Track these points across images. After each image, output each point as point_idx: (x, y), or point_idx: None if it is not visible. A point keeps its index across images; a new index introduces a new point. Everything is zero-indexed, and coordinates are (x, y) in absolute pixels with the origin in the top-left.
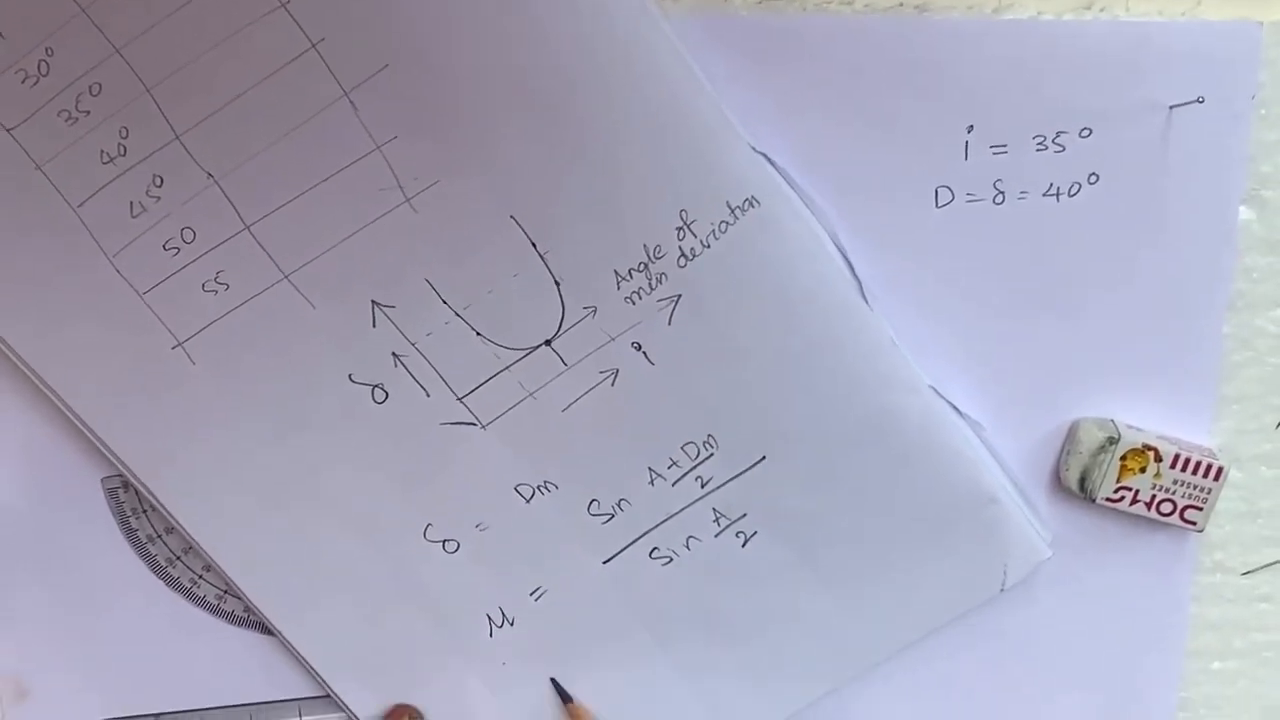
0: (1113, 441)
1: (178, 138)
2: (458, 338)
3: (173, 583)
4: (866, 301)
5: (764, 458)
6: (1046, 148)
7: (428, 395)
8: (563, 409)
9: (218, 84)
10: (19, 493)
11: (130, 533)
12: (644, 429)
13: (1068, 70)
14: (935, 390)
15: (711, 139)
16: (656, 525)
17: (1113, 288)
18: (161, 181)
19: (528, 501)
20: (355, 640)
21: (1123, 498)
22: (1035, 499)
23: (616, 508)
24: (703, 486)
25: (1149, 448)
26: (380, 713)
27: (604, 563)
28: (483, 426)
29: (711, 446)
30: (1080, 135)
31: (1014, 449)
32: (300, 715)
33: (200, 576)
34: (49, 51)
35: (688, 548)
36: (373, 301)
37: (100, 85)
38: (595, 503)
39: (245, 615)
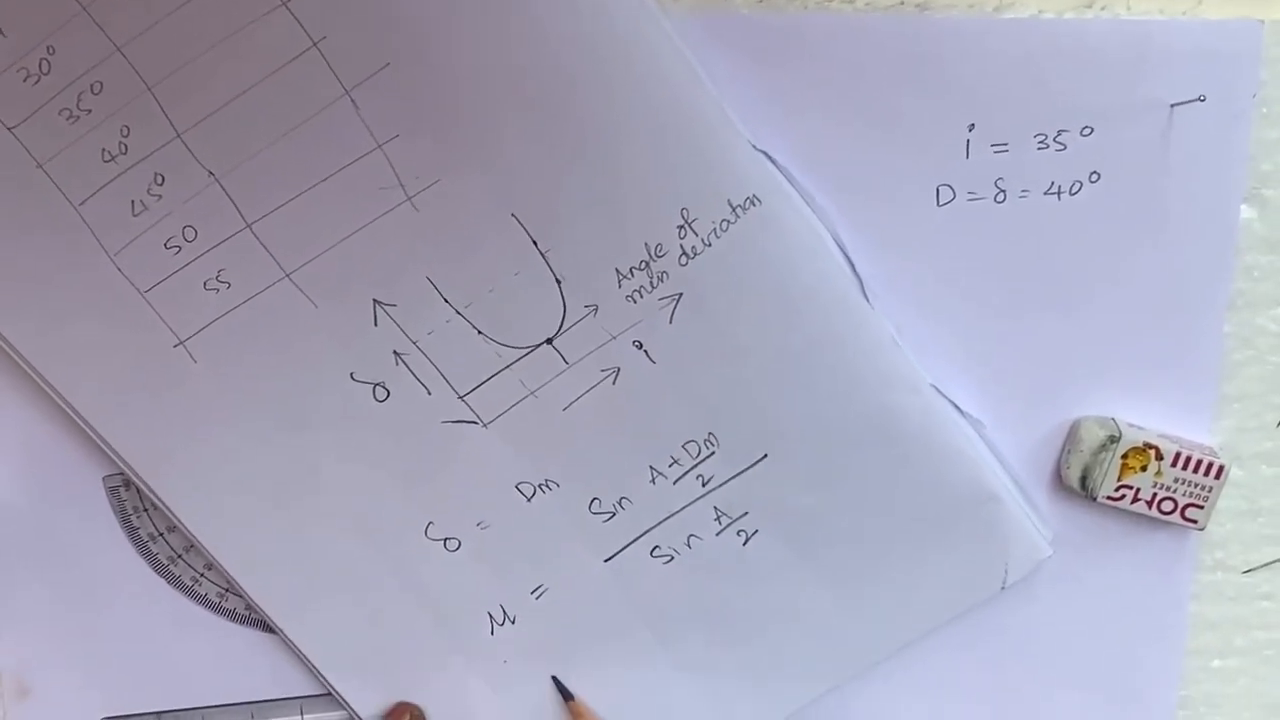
0: (1114, 440)
1: (179, 136)
2: (459, 336)
3: (174, 581)
4: (868, 300)
5: (765, 456)
6: (1048, 146)
7: (429, 393)
8: (564, 407)
9: (219, 82)
10: (20, 491)
11: (131, 531)
12: (645, 427)
13: (1069, 69)
14: (936, 389)
15: (712, 137)
16: (657, 524)
17: (1114, 286)
18: (163, 180)
19: (529, 500)
20: (356, 638)
21: (1124, 496)
22: (1036, 497)
23: (618, 506)
24: (704, 485)
25: (1150, 446)
26: (381, 711)
27: (605, 561)
28: (484, 425)
29: (712, 445)
30: (1081, 134)
31: (1015, 447)
32: (301, 713)
33: (201, 575)
34: (50, 50)
35: (689, 546)
36: (374, 300)
37: (101, 84)
38: (596, 501)
39: (246, 613)
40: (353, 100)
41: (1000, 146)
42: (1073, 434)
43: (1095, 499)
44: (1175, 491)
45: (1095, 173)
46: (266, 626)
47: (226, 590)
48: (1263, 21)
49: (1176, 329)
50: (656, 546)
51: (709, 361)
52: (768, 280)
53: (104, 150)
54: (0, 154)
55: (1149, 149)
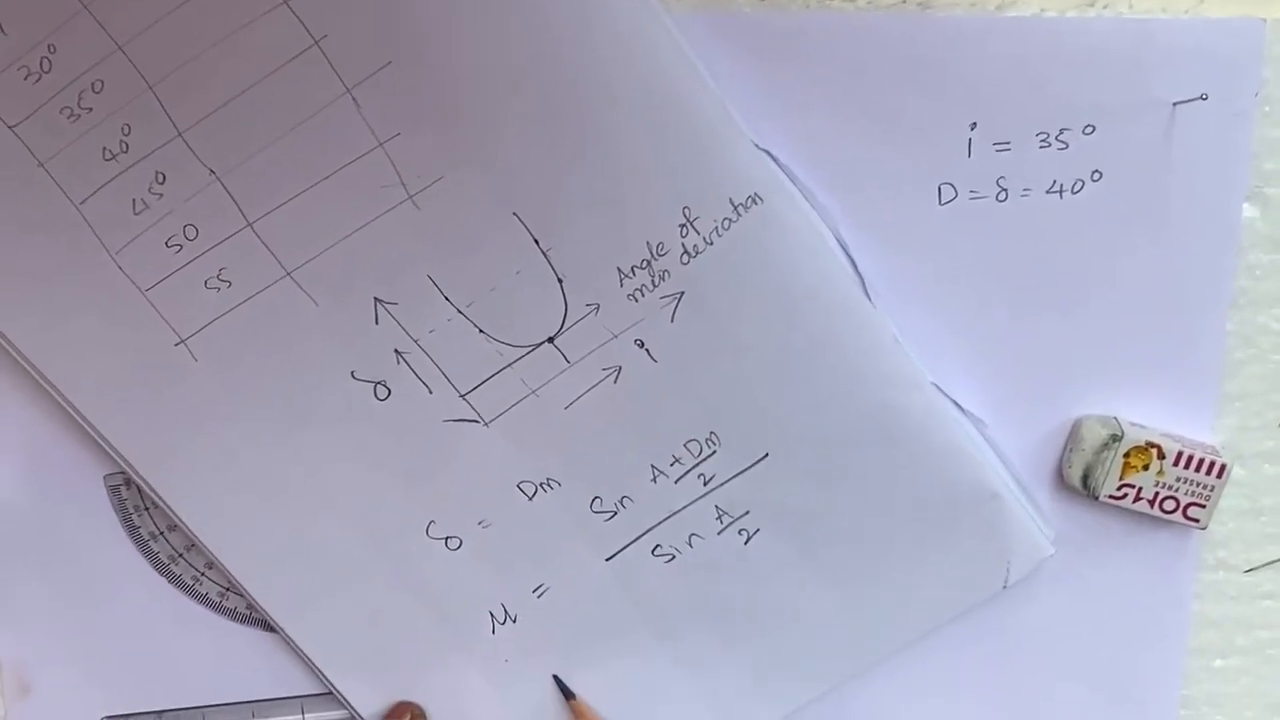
0: (1116, 439)
1: (180, 135)
2: (460, 335)
3: (175, 580)
4: (869, 298)
5: (766, 455)
6: (1050, 145)
7: (430, 392)
8: (565, 406)
9: (220, 81)
10: (21, 489)
11: (132, 530)
12: (646, 426)
13: (1071, 67)
14: (938, 387)
15: (714, 136)
16: (659, 523)
17: (1116, 285)
18: (164, 178)
19: (530, 499)
20: (357, 637)
21: (1126, 495)
22: (1038, 496)
23: (619, 505)
24: (705, 484)
25: (1152, 445)
26: (382, 710)
27: (606, 560)
28: (485, 424)
29: (714, 444)
30: (1083, 132)
31: (1017, 446)
32: (302, 712)
33: (202, 574)
34: (51, 48)
35: (690, 545)
36: (375, 298)
37: (102, 82)
38: (598, 500)
39: (247, 612)
40: (354, 99)
41: (1002, 145)
42: (1074, 433)
43: (1097, 498)
44: (1177, 490)
45: (1097, 171)
46: (267, 625)
47: (227, 589)
48: (1265, 20)
49: (1178, 327)
50: (658, 545)
51: (710, 360)
52: (769, 279)
53: (105, 149)
54: (1, 152)
55: (1151, 148)
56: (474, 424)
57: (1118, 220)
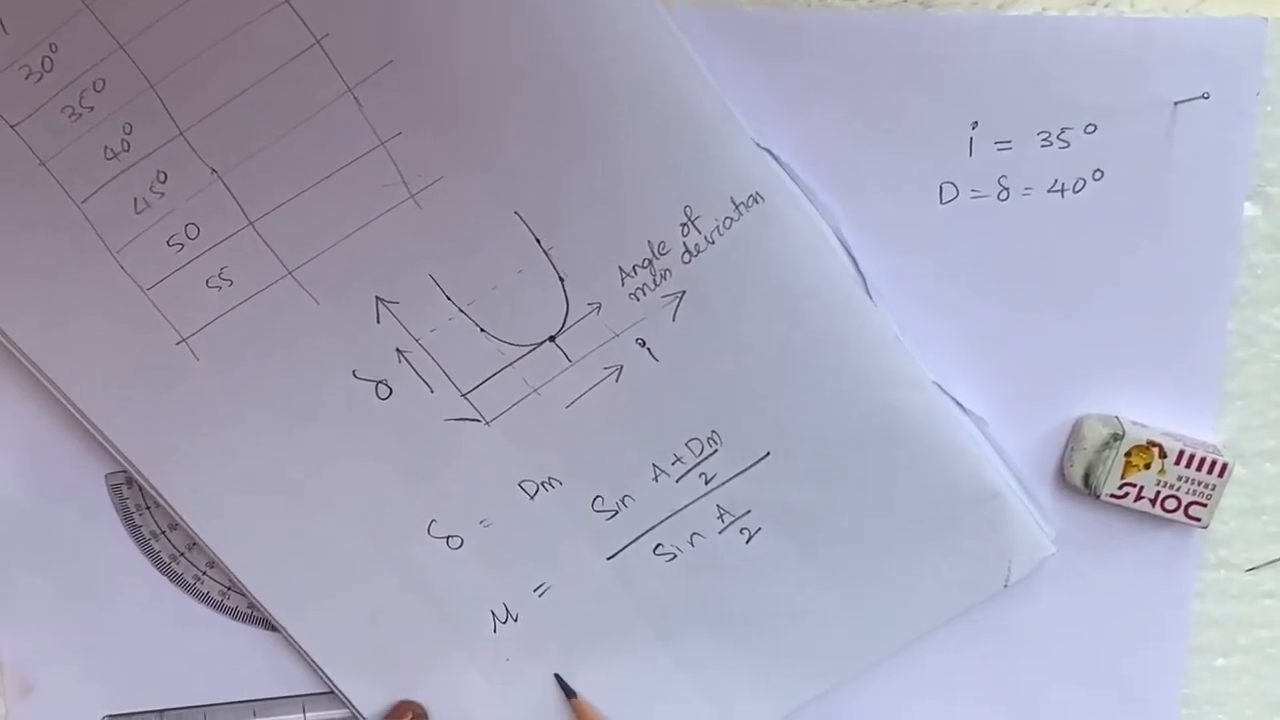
0: (1117, 438)
1: (181, 134)
2: (461, 334)
3: (176, 579)
4: (870, 297)
5: (768, 454)
6: (1051, 144)
7: (431, 391)
8: (567, 405)
9: (221, 80)
10: (23, 488)
11: (134, 529)
12: (648, 425)
13: (1072, 66)
14: (939, 386)
15: (715, 134)
16: (660, 522)
17: (1117, 284)
18: (165, 177)
19: (531, 498)
20: (359, 636)
21: (1127, 494)
22: (1039, 495)
23: (620, 504)
24: (706, 483)
25: (1154, 444)
26: (384, 709)
27: (608, 559)
28: (486, 423)
29: (715, 443)
30: (1085, 131)
31: (1018, 445)
32: (304, 711)
33: (204, 573)
34: (53, 47)
35: (691, 544)
36: (376, 297)
37: (104, 81)
38: (599, 499)
39: (249, 611)
40: (355, 98)
41: (1003, 144)
42: (1076, 432)
43: (1098, 497)
44: (1178, 489)
45: (1099, 170)
46: (269, 624)
47: (228, 588)
48: (1266, 19)
49: (1180, 326)
50: (659, 544)
51: (712, 359)
52: (771, 278)
53: (106, 148)
54: (2, 151)
55: (1152, 146)
56: (475, 423)
57: (1119, 219)
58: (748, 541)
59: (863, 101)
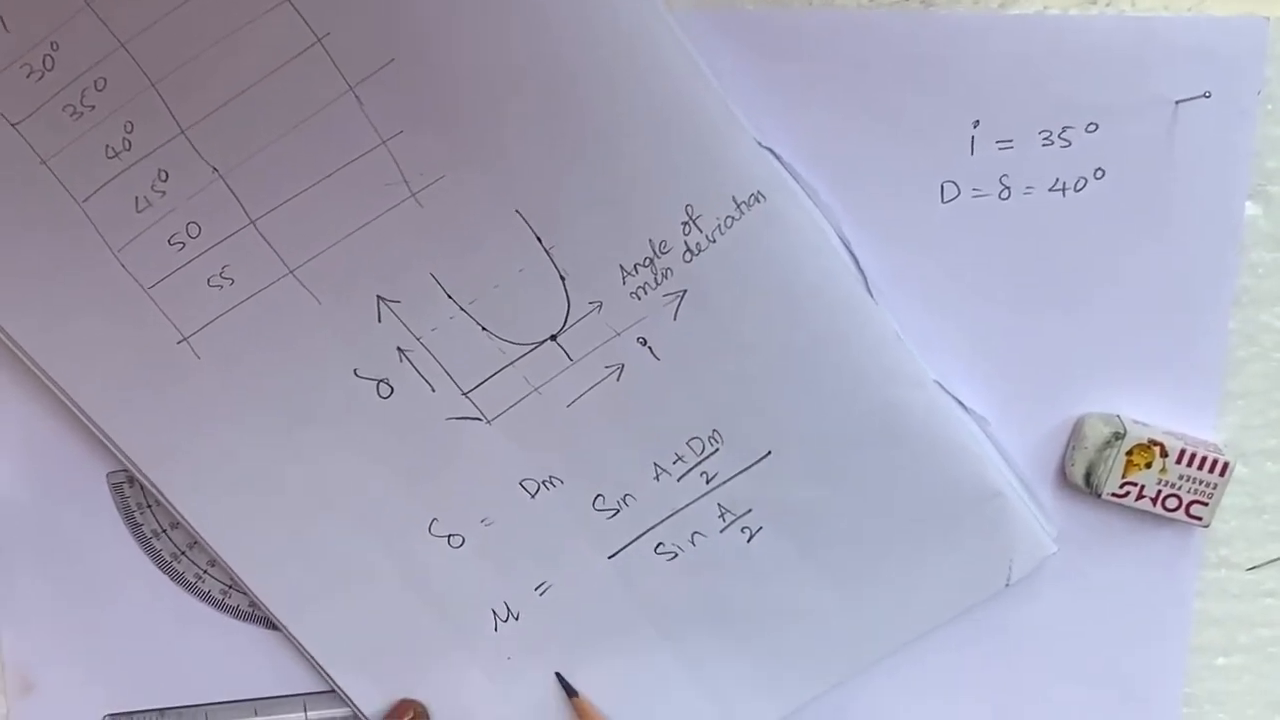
0: (1118, 437)
1: (183, 132)
2: (463, 332)
3: (177, 578)
4: (872, 296)
5: (769, 453)
6: (1052, 143)
7: (433, 390)
8: (568, 404)
9: (222, 79)
10: (24, 487)
11: (135, 527)
12: (649, 424)
13: (1073, 65)
14: (940, 385)
15: (717, 134)
16: (661, 520)
17: (1118, 282)
18: (166, 176)
19: (533, 496)
20: (360, 635)
21: (1128, 493)
22: (1040, 494)
23: (621, 503)
24: (708, 482)
25: (1155, 443)
26: (385, 707)
27: (609, 558)
28: (488, 421)
29: (716, 442)
30: (1086, 130)
31: (1019, 444)
32: (305, 710)
33: (205, 571)
34: (54, 46)
35: (693, 543)
36: (378, 296)
37: (105, 80)
38: (600, 498)
39: (250, 610)
40: (357, 96)
41: (1005, 143)
42: (1077, 430)
43: (1100, 496)
44: (1180, 488)
45: (1100, 169)
46: (270, 623)
47: (229, 587)
48: (1268, 18)
49: (1181, 325)
50: (660, 543)
51: (713, 358)
52: (772, 277)
53: (108, 146)
54: (4, 150)
55: (1154, 145)
56: (476, 422)
57: (1120, 218)
58: (749, 540)
59: (864, 100)
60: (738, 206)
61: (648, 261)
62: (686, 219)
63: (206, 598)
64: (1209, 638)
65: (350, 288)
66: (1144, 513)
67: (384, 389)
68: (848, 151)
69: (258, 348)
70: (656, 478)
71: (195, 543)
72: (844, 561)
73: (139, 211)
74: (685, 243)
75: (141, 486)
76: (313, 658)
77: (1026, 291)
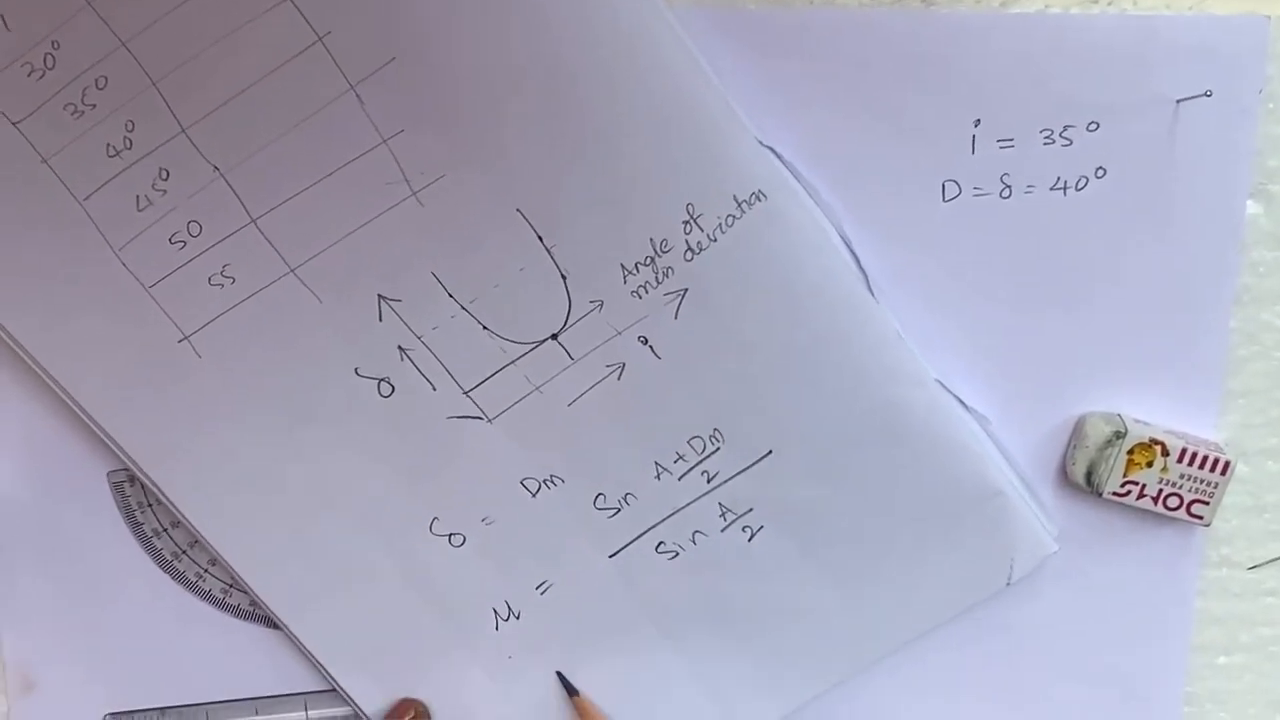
0: (1119, 436)
1: (184, 131)
2: (464, 331)
3: (178, 576)
4: (873, 295)
5: (770, 452)
6: (1053, 141)
7: (434, 389)
8: (569, 403)
9: (223, 77)
10: (25, 486)
11: (136, 526)
12: (650, 423)
13: (1074, 64)
14: (941, 384)
15: (718, 132)
16: (662, 519)
17: (1119, 281)
18: (167, 175)
19: (534, 495)
20: (361, 634)
21: (1129, 492)
22: (1041, 493)
23: (622, 502)
24: (709, 481)
25: (1156, 442)
26: (385, 706)
27: (610, 557)
28: (489, 420)
29: (718, 441)
30: (1087, 129)
31: (1020, 443)
32: (306, 709)
33: (206, 570)
34: (55, 45)
35: (694, 542)
36: (379, 295)
37: (106, 79)
38: (601, 497)
39: (251, 609)
40: (358, 95)
41: (1006, 142)
42: (1078, 430)
43: (1101, 495)
44: (1181, 487)
45: (1101, 168)
46: (270, 622)
47: (230, 586)
48: (1269, 17)
49: (1182, 325)
50: (661, 542)
51: (714, 357)
52: (773, 276)
53: (108, 145)
54: (5, 149)
55: (1155, 144)
56: (477, 421)
57: (1122, 217)
58: (750, 539)
59: (865, 99)
60: (739, 205)
61: (649, 260)
62: (687, 218)
63: (207, 597)
64: (1210, 637)
65: (351, 286)
66: (1145, 512)
67: (385, 388)
68: (849, 150)
69: (259, 346)
70: (657, 477)
71: (196, 541)
72: (845, 560)
73: (140, 210)
74: (686, 241)
75: (142, 485)
76: (313, 657)
77: (1028, 290)
